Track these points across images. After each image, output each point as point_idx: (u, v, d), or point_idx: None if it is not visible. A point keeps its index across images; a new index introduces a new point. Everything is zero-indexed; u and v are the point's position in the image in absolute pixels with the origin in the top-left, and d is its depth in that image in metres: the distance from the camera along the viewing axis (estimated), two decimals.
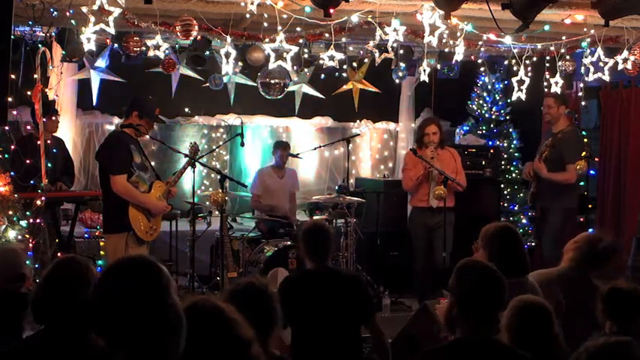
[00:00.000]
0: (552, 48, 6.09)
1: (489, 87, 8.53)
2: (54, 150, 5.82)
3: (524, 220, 8.29)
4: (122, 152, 5.14)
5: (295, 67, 6.39)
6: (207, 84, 7.57)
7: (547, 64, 6.22)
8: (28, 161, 5.04)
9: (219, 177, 6.07)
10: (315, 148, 7.73)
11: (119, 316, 1.91)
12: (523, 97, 6.20)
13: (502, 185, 8.14)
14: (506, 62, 7.03)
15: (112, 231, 5.22)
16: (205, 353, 2.02)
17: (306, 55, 6.27)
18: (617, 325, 3.44)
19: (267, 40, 5.86)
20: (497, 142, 8.36)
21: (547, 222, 6.59)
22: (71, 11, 4.89)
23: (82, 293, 2.51)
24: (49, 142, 5.57)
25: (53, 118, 6.03)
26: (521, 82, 6.12)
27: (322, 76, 7.71)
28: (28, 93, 4.95)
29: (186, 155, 5.76)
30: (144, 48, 5.94)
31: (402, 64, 6.94)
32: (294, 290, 3.81)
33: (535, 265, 6.72)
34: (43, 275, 2.63)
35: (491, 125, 8.56)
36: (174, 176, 5.63)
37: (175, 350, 1.94)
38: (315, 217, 6.85)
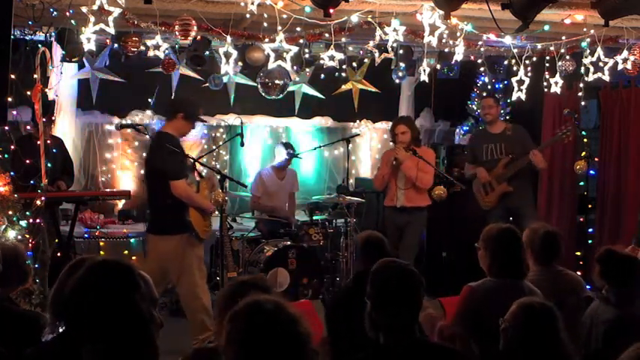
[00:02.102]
0: (552, 48, 6.09)
1: (489, 87, 8.53)
2: (54, 150, 5.82)
3: None
4: (180, 156, 5.17)
5: (295, 67, 6.39)
6: (207, 84, 7.58)
7: (547, 64, 6.23)
8: (27, 161, 5.04)
9: (219, 177, 6.07)
10: (315, 148, 7.72)
11: (91, 311, 2.01)
12: (523, 97, 6.20)
13: None
14: (506, 62, 7.03)
15: (175, 232, 5.22)
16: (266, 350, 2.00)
17: (306, 55, 6.27)
18: (613, 287, 3.50)
19: (267, 40, 5.86)
20: None
21: (527, 219, 6.62)
22: (71, 11, 4.88)
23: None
24: (48, 142, 5.56)
25: (53, 117, 6.03)
26: (521, 82, 6.12)
27: (322, 76, 7.70)
28: (28, 93, 4.95)
29: (189, 155, 5.74)
30: (143, 48, 5.94)
31: (402, 64, 6.94)
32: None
33: None
34: (81, 279, 2.64)
35: None
36: (208, 173, 5.71)
37: (143, 350, 2.00)
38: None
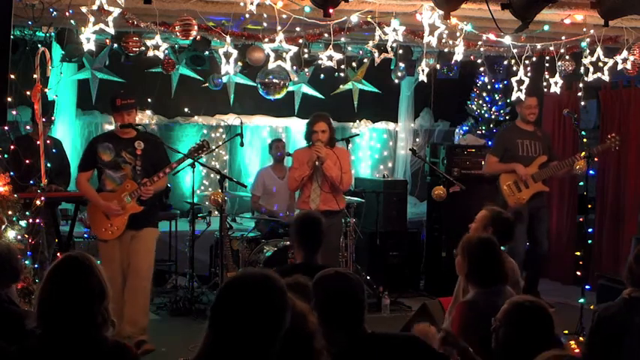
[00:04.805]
0: (552, 48, 6.09)
1: (489, 87, 8.53)
2: (53, 150, 5.82)
3: None
4: (86, 151, 5.50)
5: (295, 67, 6.39)
6: (207, 84, 7.58)
7: (546, 64, 6.22)
8: (27, 161, 5.04)
9: (218, 177, 6.07)
10: None
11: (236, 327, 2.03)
12: (522, 97, 6.19)
13: None
14: (505, 62, 7.03)
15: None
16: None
17: (306, 55, 6.27)
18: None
19: (266, 40, 5.86)
20: None
21: (543, 221, 6.75)
22: (71, 11, 4.89)
23: (88, 289, 2.53)
24: (48, 142, 5.57)
25: (53, 118, 6.05)
26: (520, 82, 6.12)
27: (322, 76, 7.70)
28: (28, 93, 4.95)
29: (184, 154, 5.69)
30: (143, 48, 5.94)
31: (402, 64, 6.94)
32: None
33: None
34: (47, 274, 2.63)
35: (491, 125, 8.55)
36: (160, 172, 5.29)
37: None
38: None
